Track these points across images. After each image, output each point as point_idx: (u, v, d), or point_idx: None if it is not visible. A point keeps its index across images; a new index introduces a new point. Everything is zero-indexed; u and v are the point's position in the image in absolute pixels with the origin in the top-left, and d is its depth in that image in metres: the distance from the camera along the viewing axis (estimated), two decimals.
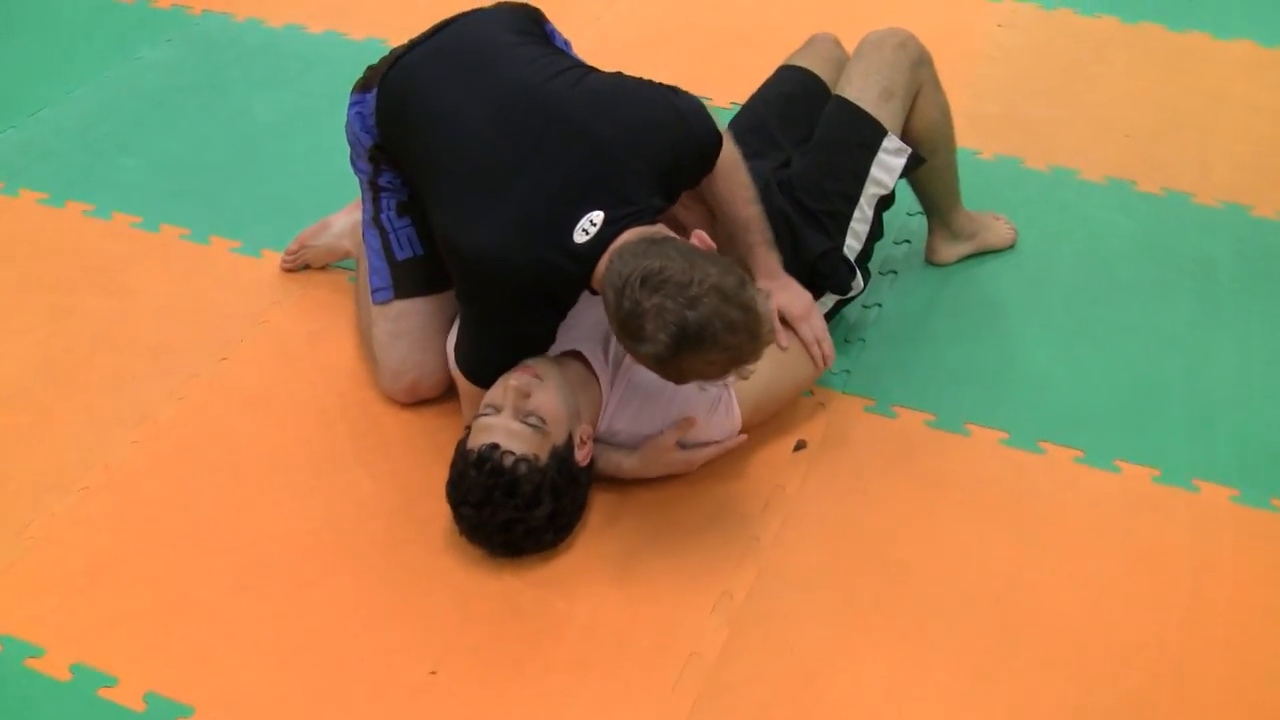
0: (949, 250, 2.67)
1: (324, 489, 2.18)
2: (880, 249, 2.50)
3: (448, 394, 2.31)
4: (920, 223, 2.72)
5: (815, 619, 1.97)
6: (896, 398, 2.36)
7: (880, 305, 2.56)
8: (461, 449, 2.00)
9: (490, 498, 1.94)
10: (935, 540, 2.09)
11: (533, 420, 1.97)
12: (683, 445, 2.13)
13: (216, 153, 3.02)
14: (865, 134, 2.33)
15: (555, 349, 2.15)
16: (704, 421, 2.12)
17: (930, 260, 2.68)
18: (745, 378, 2.00)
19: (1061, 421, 2.31)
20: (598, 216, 1.95)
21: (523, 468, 1.94)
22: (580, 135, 2.00)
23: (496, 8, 2.33)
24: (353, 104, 2.27)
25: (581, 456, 2.05)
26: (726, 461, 2.20)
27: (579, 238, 1.95)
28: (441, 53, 2.21)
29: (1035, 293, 2.61)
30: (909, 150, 2.35)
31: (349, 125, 2.29)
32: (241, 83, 3.29)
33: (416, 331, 2.28)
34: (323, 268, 2.65)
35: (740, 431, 2.16)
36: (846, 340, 2.47)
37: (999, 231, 2.72)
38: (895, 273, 2.65)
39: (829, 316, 2.42)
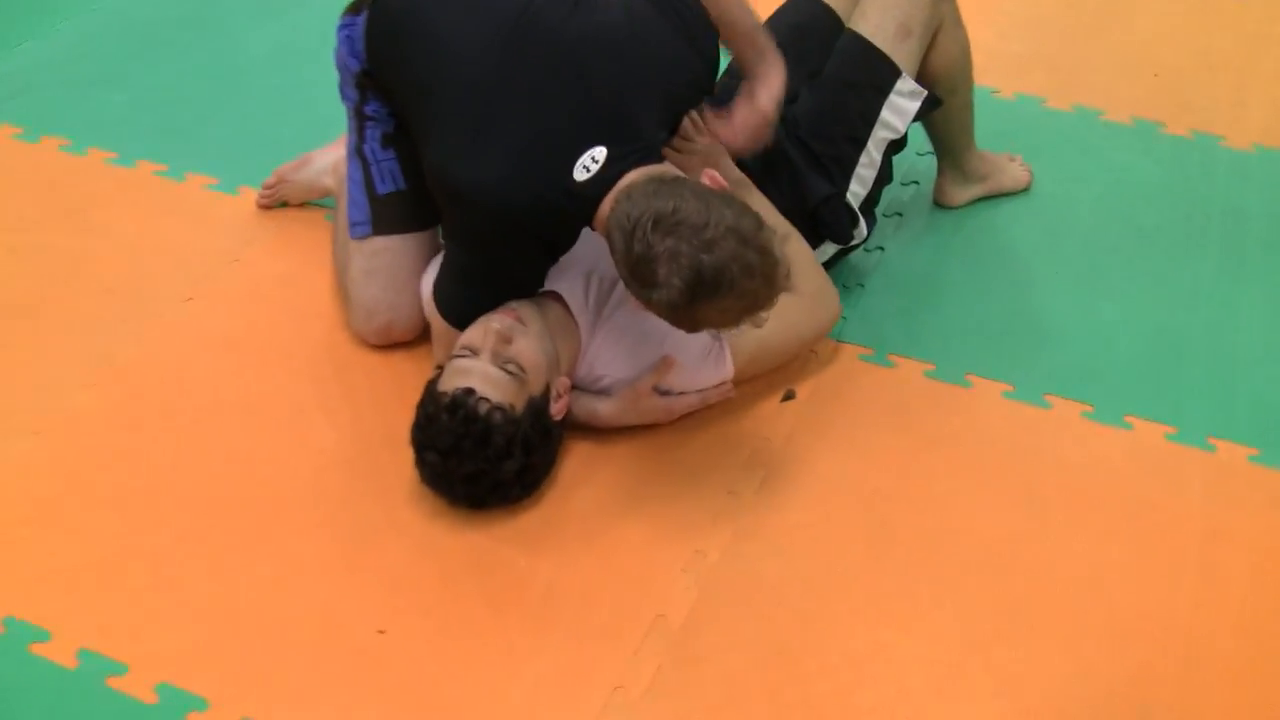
0: (959, 192, 2.51)
1: (284, 437, 2.07)
2: (886, 191, 2.34)
3: (420, 337, 2.20)
4: (930, 163, 2.57)
5: (792, 584, 1.84)
6: (895, 346, 2.22)
7: (883, 249, 2.42)
8: (432, 390, 1.88)
9: (459, 446, 1.83)
10: (928, 501, 1.96)
11: (511, 368, 1.86)
12: (663, 392, 2.00)
13: (202, 87, 2.91)
14: (878, 75, 2.17)
15: None
16: (693, 369, 2.00)
17: (939, 202, 2.53)
18: (759, 326, 1.88)
19: (1071, 375, 2.16)
20: (600, 153, 1.83)
21: (497, 417, 1.83)
22: (586, 68, 1.88)
23: None
24: (342, 27, 2.13)
25: (557, 410, 1.93)
26: (709, 411, 2.07)
27: (579, 175, 1.83)
28: None
29: (1050, 240, 2.46)
30: (924, 93, 2.19)
31: (337, 50, 2.16)
32: (234, 14, 3.17)
33: (393, 270, 2.17)
34: (300, 206, 2.53)
35: (730, 384, 2.04)
36: (845, 286, 2.32)
37: (1013, 173, 2.56)
38: (901, 215, 2.51)
39: (830, 265, 2.27)
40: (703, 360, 2.00)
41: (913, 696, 1.70)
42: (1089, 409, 2.10)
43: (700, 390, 2.02)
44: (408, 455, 1.93)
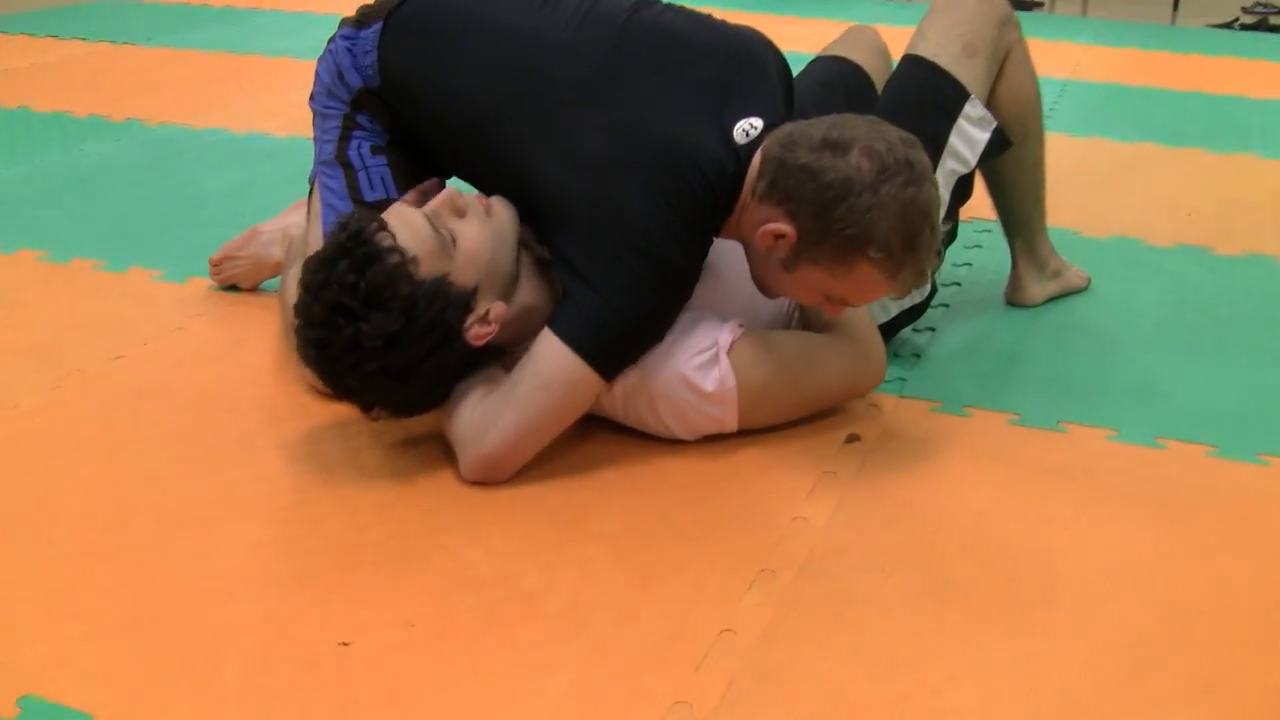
0: (1037, 288, 2.20)
1: (223, 467, 1.64)
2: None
3: None
4: (964, 271, 2.31)
5: (895, 597, 1.40)
6: (969, 400, 1.86)
7: (934, 330, 2.10)
8: None
9: (334, 263, 1.48)
10: (1043, 522, 1.55)
11: (443, 232, 1.53)
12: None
13: (153, 208, 2.62)
14: (944, 94, 1.91)
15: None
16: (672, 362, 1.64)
17: (1015, 301, 2.21)
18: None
19: (1182, 421, 1.81)
20: (757, 123, 1.63)
21: (393, 258, 1.49)
22: (713, 49, 1.73)
23: None
24: (342, 38, 1.85)
25: (476, 334, 1.56)
26: (757, 446, 1.68)
27: (739, 138, 1.62)
28: None
29: (1120, 323, 2.16)
30: (994, 122, 1.92)
31: (331, 59, 1.86)
32: (193, 165, 2.93)
33: None
34: (253, 290, 2.19)
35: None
36: (898, 355, 1.99)
37: (1078, 272, 2.29)
38: (948, 306, 2.20)
39: (889, 329, 1.93)
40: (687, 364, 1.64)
41: (1081, 703, 1.24)
42: (1213, 449, 1.73)
43: (666, 393, 1.63)
44: (379, 484, 1.56)
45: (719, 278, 1.73)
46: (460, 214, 1.57)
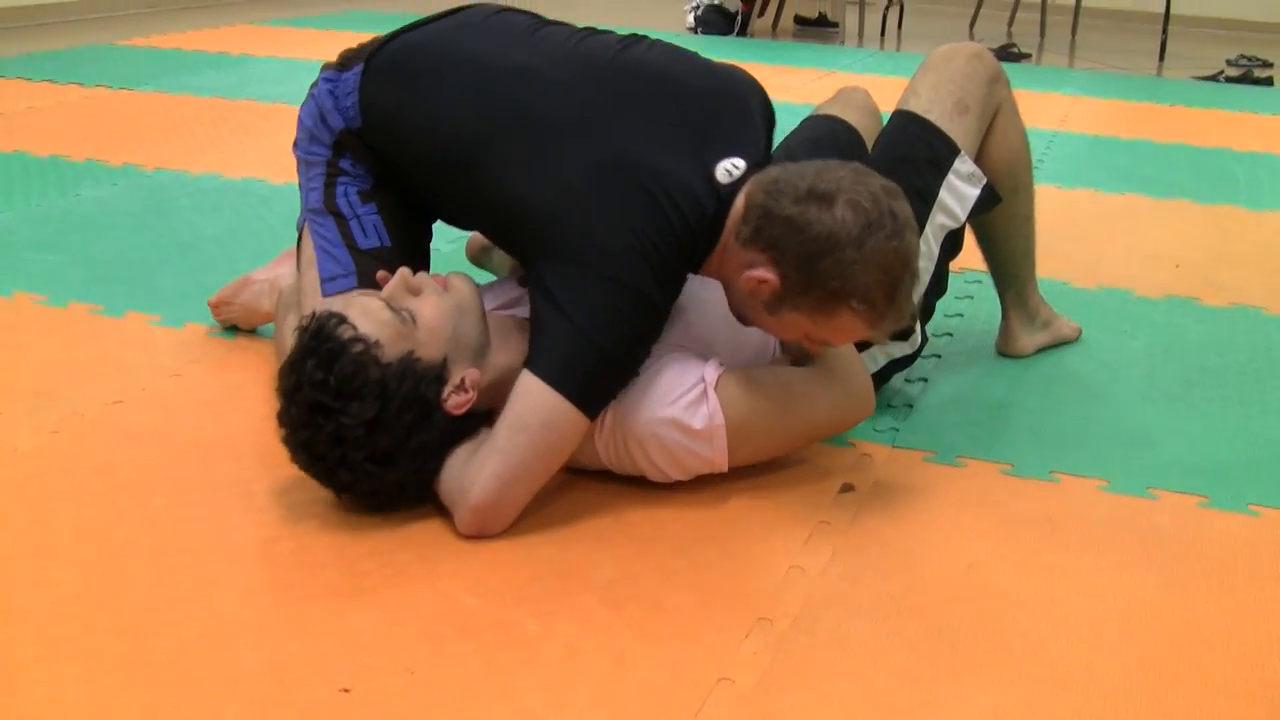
0: (1028, 338, 2.23)
1: (220, 512, 1.64)
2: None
3: None
4: (957, 321, 2.34)
5: (891, 646, 1.41)
6: (962, 450, 1.88)
7: (926, 380, 2.12)
8: None
9: (302, 364, 1.51)
10: (1038, 570, 1.57)
11: (403, 314, 1.56)
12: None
13: (150, 253, 2.63)
14: (935, 150, 1.94)
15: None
16: (658, 400, 1.64)
17: (1006, 352, 2.23)
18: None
19: (1173, 472, 1.83)
20: (740, 164, 1.65)
21: (357, 347, 1.51)
22: (699, 88, 1.75)
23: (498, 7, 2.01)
24: (325, 80, 1.87)
25: (455, 403, 1.57)
26: (752, 493, 1.70)
27: (722, 177, 1.64)
28: (469, 26, 1.85)
29: (1114, 373, 2.18)
30: (984, 179, 1.95)
31: (314, 102, 1.88)
32: (189, 210, 2.94)
33: None
34: (251, 332, 2.20)
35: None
36: (889, 405, 2.01)
37: (1068, 323, 2.31)
38: (939, 356, 2.22)
39: (878, 379, 1.95)
40: (669, 400, 1.64)
41: None
42: (1204, 499, 1.75)
43: (655, 434, 1.64)
44: (376, 531, 1.57)
45: (700, 320, 1.75)
46: (416, 292, 1.60)
